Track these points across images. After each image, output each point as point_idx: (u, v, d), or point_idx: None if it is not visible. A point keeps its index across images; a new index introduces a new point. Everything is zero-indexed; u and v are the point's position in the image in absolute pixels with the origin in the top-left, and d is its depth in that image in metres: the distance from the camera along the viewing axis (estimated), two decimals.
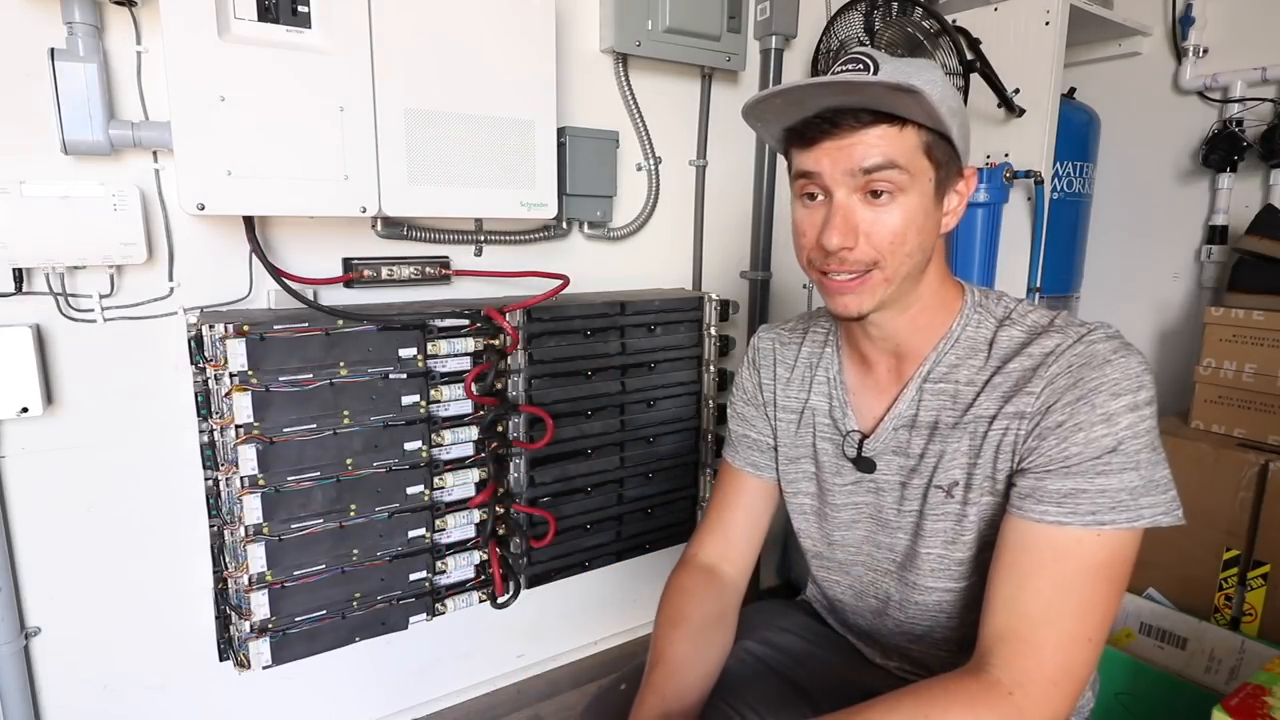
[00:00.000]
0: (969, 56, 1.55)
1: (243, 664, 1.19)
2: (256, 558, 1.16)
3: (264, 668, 1.20)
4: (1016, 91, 1.64)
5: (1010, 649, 0.64)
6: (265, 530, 1.16)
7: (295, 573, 1.20)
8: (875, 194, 0.68)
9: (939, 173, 0.69)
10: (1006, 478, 0.70)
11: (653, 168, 1.66)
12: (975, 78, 1.55)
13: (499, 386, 1.36)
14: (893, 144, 0.66)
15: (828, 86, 0.64)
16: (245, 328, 1.11)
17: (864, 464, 0.82)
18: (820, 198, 0.71)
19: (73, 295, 1.14)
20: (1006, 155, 1.68)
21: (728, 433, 0.98)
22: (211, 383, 1.12)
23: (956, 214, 0.74)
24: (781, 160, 0.79)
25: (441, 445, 1.30)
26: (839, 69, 0.68)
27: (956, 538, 0.75)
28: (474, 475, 1.35)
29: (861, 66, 0.67)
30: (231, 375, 1.11)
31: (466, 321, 1.30)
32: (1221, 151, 1.80)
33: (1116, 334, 0.69)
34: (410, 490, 1.27)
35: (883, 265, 0.69)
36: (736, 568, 0.92)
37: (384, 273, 1.34)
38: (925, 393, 0.77)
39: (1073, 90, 1.88)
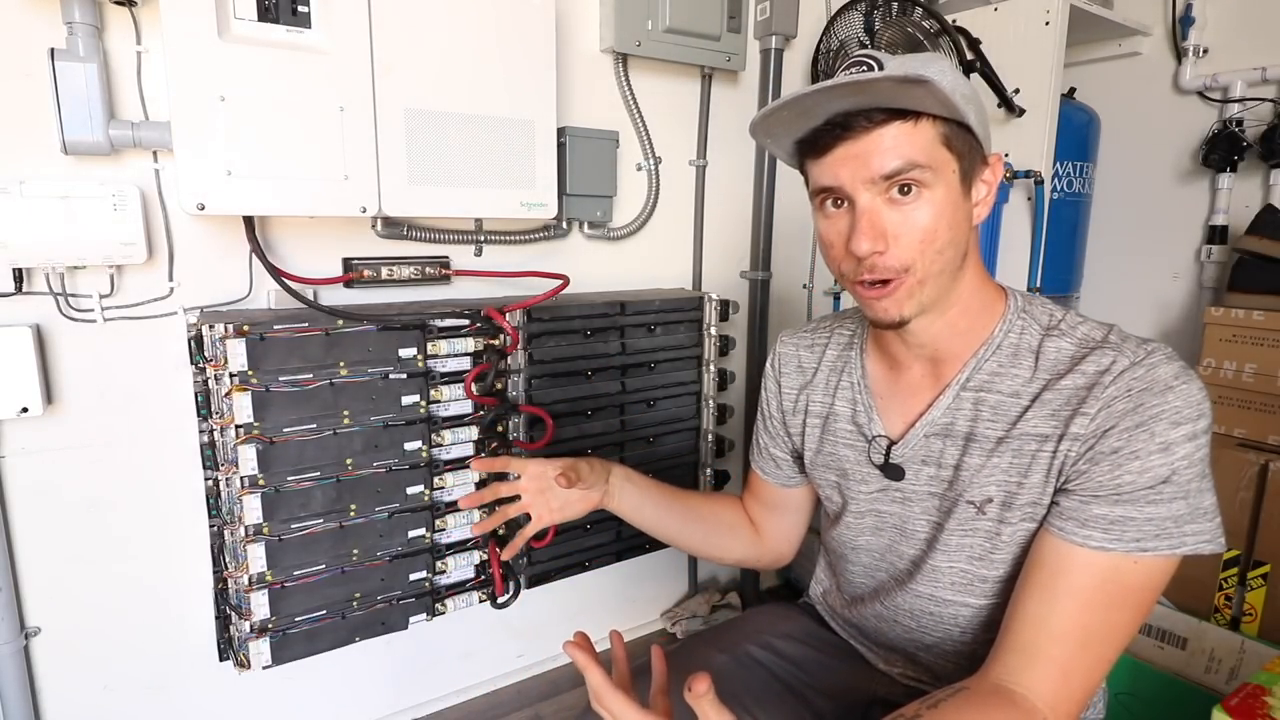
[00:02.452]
0: (969, 56, 1.55)
1: (243, 664, 1.19)
2: (256, 558, 1.16)
3: (264, 668, 1.20)
4: (1016, 91, 1.64)
5: (1039, 670, 0.64)
6: (265, 530, 1.16)
7: (295, 573, 1.20)
8: (903, 190, 0.65)
9: (962, 163, 0.67)
10: (1051, 501, 0.68)
11: (653, 168, 1.66)
12: (975, 78, 1.56)
13: (499, 386, 1.36)
14: (910, 141, 0.64)
15: (836, 90, 0.62)
16: (245, 328, 1.11)
17: (892, 471, 0.79)
18: (843, 205, 0.69)
19: (73, 295, 1.14)
20: (1006, 155, 1.68)
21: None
22: (211, 383, 1.12)
23: (987, 204, 0.71)
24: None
25: (441, 445, 1.30)
26: (842, 73, 0.66)
27: (986, 555, 0.73)
28: (474, 475, 1.35)
29: (866, 67, 0.65)
30: (231, 375, 1.11)
31: (466, 321, 1.30)
32: (1221, 151, 1.81)
33: (1175, 355, 0.66)
34: (410, 490, 1.27)
35: (915, 268, 0.67)
36: (760, 532, 1.01)
37: (384, 273, 1.34)
38: (963, 400, 0.73)
39: (1073, 90, 1.88)
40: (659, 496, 0.97)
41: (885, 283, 0.68)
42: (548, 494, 0.91)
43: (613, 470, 0.95)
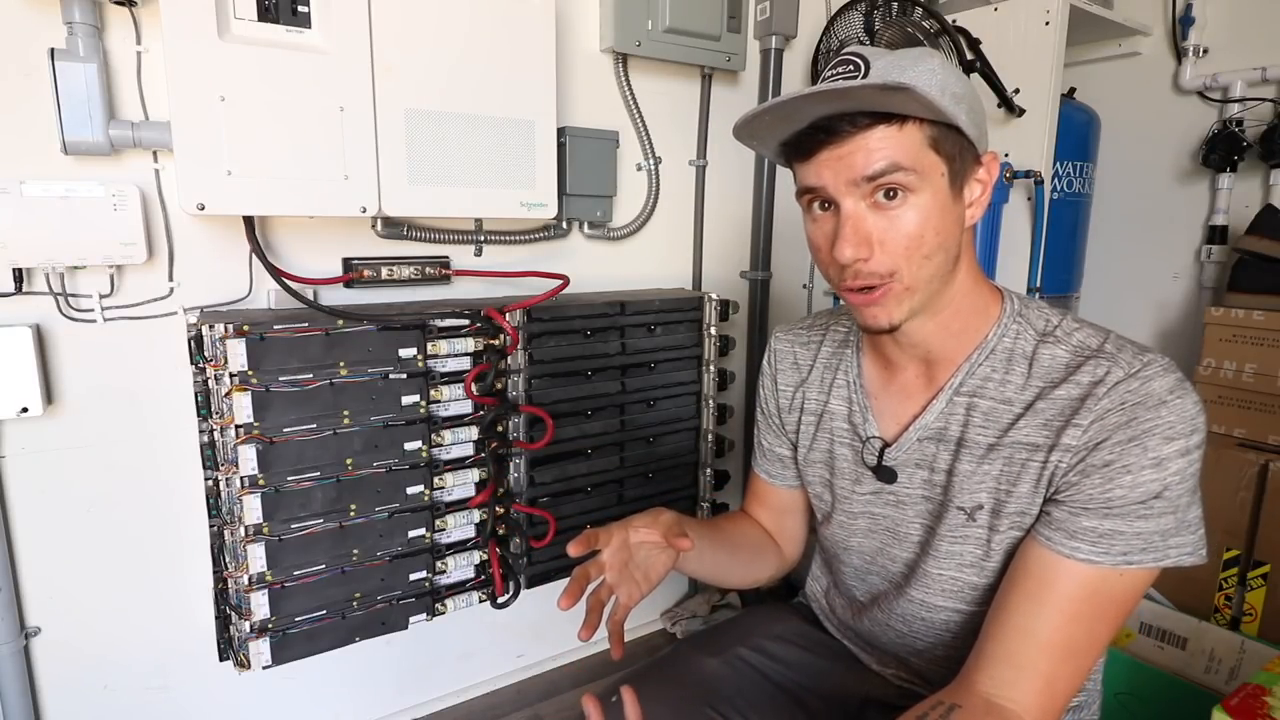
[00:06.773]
0: (969, 56, 1.55)
1: (243, 664, 1.19)
2: (256, 558, 1.16)
3: (264, 668, 1.20)
4: (1016, 91, 1.64)
5: (1027, 683, 0.64)
6: (265, 530, 1.16)
7: (295, 573, 1.20)
8: (888, 195, 0.64)
9: (951, 165, 0.65)
10: (1039, 510, 0.68)
11: (653, 168, 1.66)
12: (975, 78, 1.56)
13: (499, 386, 1.36)
14: (895, 144, 0.63)
15: (817, 96, 0.61)
16: (245, 328, 1.11)
17: (885, 473, 0.78)
18: (829, 208, 0.68)
19: (73, 295, 1.14)
20: (1006, 155, 1.68)
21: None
22: (211, 383, 1.12)
23: (981, 204, 0.70)
24: None
25: (441, 445, 1.30)
26: (829, 73, 0.65)
27: (979, 563, 0.72)
28: (474, 475, 1.35)
29: (852, 68, 0.63)
30: (231, 375, 1.11)
31: (466, 321, 1.30)
32: (1221, 151, 1.81)
33: (1172, 367, 0.65)
34: (410, 490, 1.27)
35: (901, 274, 0.66)
36: (779, 540, 0.99)
37: (384, 273, 1.34)
38: (956, 405, 0.73)
39: (1073, 90, 1.88)
40: (708, 535, 0.90)
41: (872, 289, 0.67)
42: (630, 566, 0.81)
43: (677, 517, 0.85)
